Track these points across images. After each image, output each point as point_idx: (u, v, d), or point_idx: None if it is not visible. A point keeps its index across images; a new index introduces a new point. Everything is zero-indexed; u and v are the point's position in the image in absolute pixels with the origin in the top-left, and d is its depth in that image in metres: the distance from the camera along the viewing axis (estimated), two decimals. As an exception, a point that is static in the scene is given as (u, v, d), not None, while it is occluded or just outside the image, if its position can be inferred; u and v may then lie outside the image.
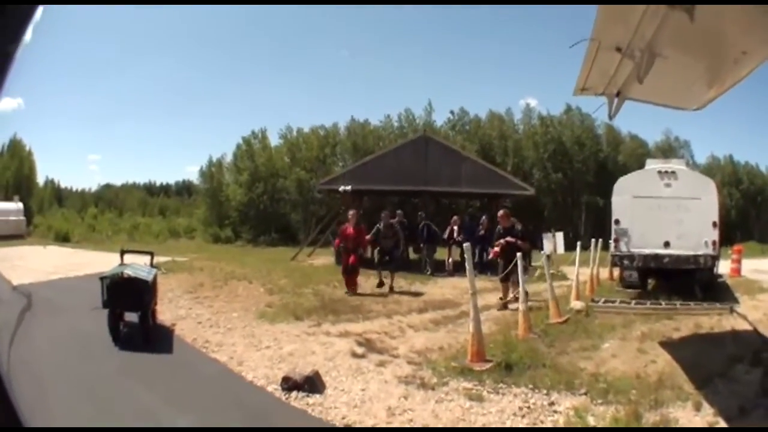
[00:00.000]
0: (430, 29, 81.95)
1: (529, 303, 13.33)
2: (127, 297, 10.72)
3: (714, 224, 16.95)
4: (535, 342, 11.39)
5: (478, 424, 7.31)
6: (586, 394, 8.39)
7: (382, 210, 24.34)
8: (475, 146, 56.26)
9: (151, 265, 13.08)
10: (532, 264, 16.94)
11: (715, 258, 17.18)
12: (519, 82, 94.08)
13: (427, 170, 27.78)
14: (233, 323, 12.97)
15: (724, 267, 21.70)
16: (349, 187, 28.17)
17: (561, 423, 7.38)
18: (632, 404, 7.82)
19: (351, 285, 18.48)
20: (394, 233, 20.05)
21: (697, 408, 7.69)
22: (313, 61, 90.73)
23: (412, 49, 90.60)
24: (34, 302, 13.25)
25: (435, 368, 9.63)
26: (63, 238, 38.69)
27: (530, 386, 8.68)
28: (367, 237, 19.41)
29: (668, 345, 11.21)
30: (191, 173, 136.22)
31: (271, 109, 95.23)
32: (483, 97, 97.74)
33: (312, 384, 8.48)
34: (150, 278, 11.47)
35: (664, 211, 17.07)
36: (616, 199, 18.10)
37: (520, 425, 7.30)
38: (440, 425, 7.26)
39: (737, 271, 23.81)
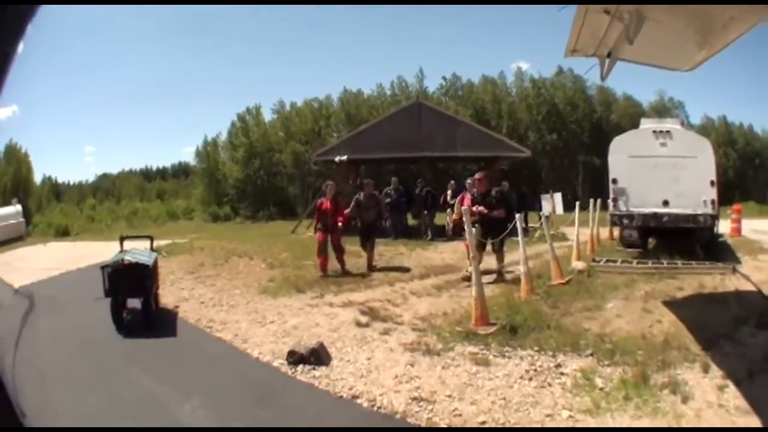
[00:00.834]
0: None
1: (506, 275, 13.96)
2: (128, 283, 10.63)
3: (712, 183, 16.90)
4: (539, 303, 11.40)
5: (485, 389, 7.25)
6: (592, 355, 8.39)
7: (365, 178, 24.09)
8: (469, 111, 56.81)
9: (151, 249, 13.05)
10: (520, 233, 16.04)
11: (714, 217, 17.18)
12: (510, 45, 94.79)
13: (422, 136, 27.99)
14: (236, 300, 12.94)
15: (724, 227, 21.71)
16: (345, 157, 28.23)
17: (569, 385, 7.35)
18: (639, 365, 7.81)
19: (324, 266, 16.09)
20: (376, 203, 17.95)
21: (705, 370, 7.66)
22: (303, 33, 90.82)
23: (402, 16, 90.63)
24: (36, 302, 13.21)
25: (440, 334, 9.64)
26: (63, 233, 38.68)
27: (536, 348, 8.69)
28: (347, 211, 16.81)
29: (672, 305, 11.20)
30: (188, 155, 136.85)
31: (264, 86, 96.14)
32: (475, 61, 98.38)
33: (317, 356, 8.48)
34: (150, 262, 11.35)
35: (661, 170, 17.02)
36: (612, 159, 18.07)
37: (528, 388, 7.26)
38: (447, 391, 7.22)
39: (737, 231, 23.90)
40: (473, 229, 12.84)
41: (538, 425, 6.41)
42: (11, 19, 2.68)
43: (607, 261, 16.04)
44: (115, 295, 10.63)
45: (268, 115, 63.25)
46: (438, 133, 28.15)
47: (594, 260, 16.11)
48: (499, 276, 14.40)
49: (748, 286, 12.98)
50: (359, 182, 28.97)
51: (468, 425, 6.51)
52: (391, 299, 12.54)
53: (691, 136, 19.40)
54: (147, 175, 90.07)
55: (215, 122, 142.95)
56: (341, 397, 7.46)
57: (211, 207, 56.94)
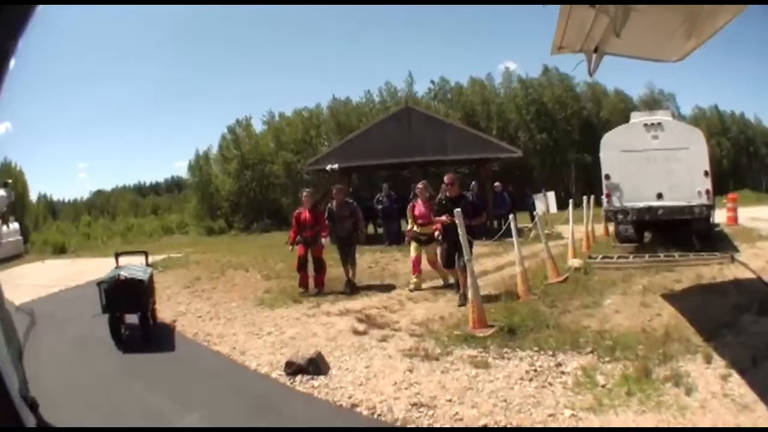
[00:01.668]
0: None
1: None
2: (125, 299, 10.59)
3: (705, 173, 16.85)
4: (536, 303, 11.37)
5: (486, 392, 7.20)
6: (592, 352, 8.35)
7: (336, 184, 22.57)
8: (458, 114, 57.13)
9: (146, 264, 13.04)
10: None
11: (710, 207, 17.10)
12: (497, 46, 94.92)
13: (412, 141, 27.87)
14: (233, 313, 12.88)
15: (720, 216, 21.71)
16: (336, 166, 28.17)
17: (570, 383, 7.29)
18: (641, 360, 7.77)
19: (304, 281, 14.94)
20: (351, 213, 15.46)
21: (708, 360, 7.63)
22: (290, 43, 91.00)
23: (389, 22, 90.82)
24: (37, 319, 13.20)
25: (438, 338, 9.59)
26: (60, 250, 38.74)
27: (535, 348, 8.65)
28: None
29: (671, 297, 11.18)
30: (180, 169, 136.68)
31: (253, 97, 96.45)
32: (463, 64, 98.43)
33: (316, 366, 8.40)
34: (146, 278, 11.32)
35: (654, 163, 17.01)
36: (604, 154, 18.03)
37: (529, 389, 7.20)
38: (447, 396, 7.17)
39: (734, 220, 23.93)
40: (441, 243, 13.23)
41: (541, 425, 6.37)
42: (11, 18, 2.66)
43: (604, 257, 15.98)
44: (113, 311, 10.58)
45: (258, 127, 63.48)
46: (428, 138, 28.08)
47: (590, 257, 16.07)
48: (463, 299, 11.79)
49: (748, 274, 13.00)
50: (350, 189, 28.96)
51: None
52: (388, 306, 12.52)
53: (683, 127, 19.41)
54: (140, 190, 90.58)
55: (207, 135, 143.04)
56: (341, 406, 7.38)
57: (205, 220, 57.01)
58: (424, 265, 14.66)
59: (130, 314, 11.14)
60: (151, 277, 11.94)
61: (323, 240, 15.16)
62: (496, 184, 27.63)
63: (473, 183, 27.61)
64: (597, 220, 20.92)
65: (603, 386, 7.10)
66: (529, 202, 27.27)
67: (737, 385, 6.80)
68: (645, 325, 9.48)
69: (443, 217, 12.58)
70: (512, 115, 60.87)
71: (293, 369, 8.44)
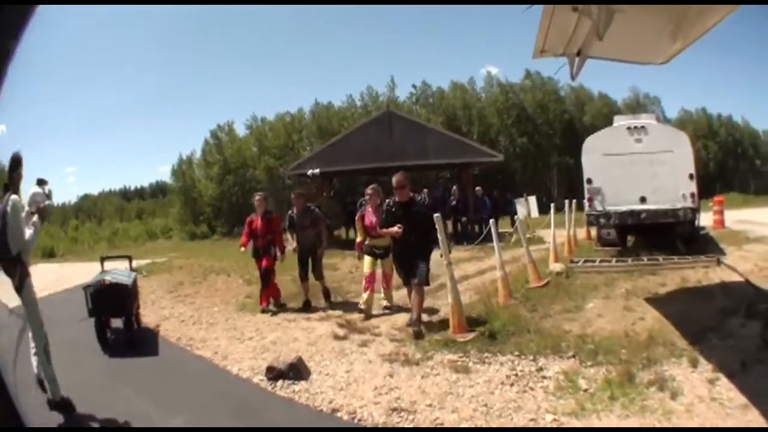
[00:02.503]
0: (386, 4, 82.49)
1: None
2: (110, 303, 10.56)
3: (690, 176, 16.77)
4: (517, 308, 11.25)
5: (466, 397, 7.13)
6: (574, 356, 8.27)
7: (296, 188, 22.02)
8: (440, 118, 57.55)
9: (130, 268, 13.02)
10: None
11: (694, 210, 17.05)
12: (479, 50, 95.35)
13: (393, 146, 27.99)
14: (215, 318, 12.83)
15: (706, 220, 21.75)
16: (317, 171, 28.24)
17: (551, 388, 7.20)
18: (624, 364, 7.68)
19: (273, 295, 13.64)
20: (313, 221, 13.65)
21: (694, 364, 7.54)
22: (272, 48, 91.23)
23: (371, 26, 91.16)
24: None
25: (418, 344, 9.52)
26: (49, 254, 38.88)
27: (516, 353, 8.57)
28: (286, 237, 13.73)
29: (655, 301, 11.07)
30: (164, 173, 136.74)
31: (237, 102, 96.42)
32: (445, 68, 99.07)
33: (296, 371, 8.37)
34: (130, 282, 11.32)
35: (637, 167, 16.90)
36: (586, 159, 17.95)
37: (509, 394, 7.12)
38: (427, 401, 7.10)
39: (720, 223, 23.87)
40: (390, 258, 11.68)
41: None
42: (11, 19, 2.65)
43: (586, 261, 15.86)
44: (98, 315, 10.60)
45: (242, 131, 63.63)
46: (409, 142, 28.24)
47: (572, 261, 15.93)
48: (416, 323, 10.25)
49: (735, 277, 12.86)
50: (332, 193, 28.93)
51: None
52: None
53: (667, 130, 19.34)
54: (126, 195, 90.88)
55: (190, 139, 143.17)
56: (321, 411, 7.34)
57: (188, 225, 57.32)
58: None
59: (115, 318, 11.13)
60: (135, 281, 11.96)
61: (280, 253, 13.44)
62: (477, 188, 27.66)
63: (455, 187, 27.74)
64: (579, 225, 20.98)
65: (585, 390, 7.01)
66: (511, 207, 27.35)
67: (726, 389, 6.72)
68: (628, 329, 9.37)
69: (393, 228, 10.78)
70: (493, 119, 61.19)
71: (274, 374, 8.42)
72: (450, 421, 6.61)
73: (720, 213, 24.26)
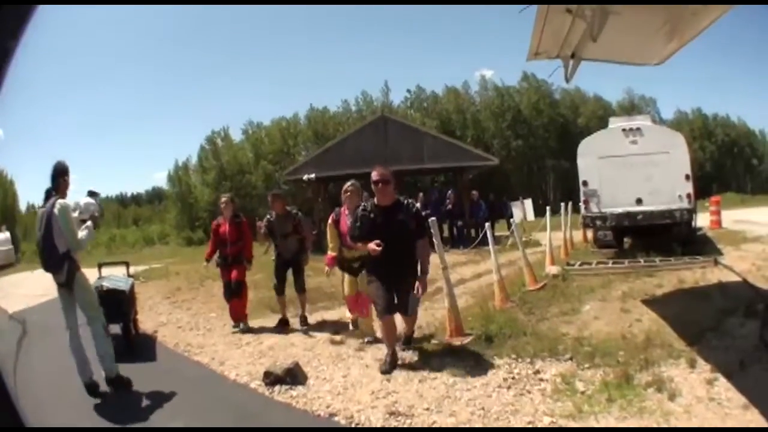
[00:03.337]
0: (380, 7, 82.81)
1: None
2: (107, 309, 10.54)
3: (687, 177, 16.82)
4: (514, 311, 11.20)
5: (463, 400, 7.11)
6: (571, 359, 8.23)
7: (271, 190, 20.71)
8: (434, 122, 57.64)
9: (128, 274, 13.04)
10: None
11: (691, 211, 17.08)
12: (474, 54, 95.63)
13: (388, 150, 27.88)
14: (212, 324, 12.83)
15: (703, 220, 21.79)
16: (312, 175, 28.22)
17: (549, 390, 7.18)
18: (621, 366, 7.64)
19: (237, 313, 12.22)
20: (295, 227, 12.09)
21: (692, 365, 7.50)
22: (268, 54, 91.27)
23: (366, 30, 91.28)
24: (28, 328, 13.29)
25: (415, 347, 9.49)
26: (48, 261, 39.09)
27: (513, 356, 8.53)
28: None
29: (652, 303, 11.05)
30: (160, 180, 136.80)
31: (233, 107, 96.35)
32: (440, 72, 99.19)
33: (293, 376, 8.35)
34: (127, 288, 11.41)
35: (633, 168, 16.95)
36: (581, 161, 18.00)
37: (507, 397, 7.09)
38: (425, 405, 7.07)
39: (717, 223, 23.91)
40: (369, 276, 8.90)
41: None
42: (11, 18, 2.66)
43: (582, 263, 15.82)
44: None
45: (238, 136, 63.81)
46: (404, 146, 28.27)
47: (568, 264, 15.92)
48: (388, 365, 8.56)
49: (732, 277, 12.84)
50: (325, 197, 28.94)
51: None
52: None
53: (663, 131, 19.41)
54: (122, 201, 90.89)
55: (186, 145, 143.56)
56: (319, 415, 7.32)
57: (184, 231, 57.43)
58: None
59: (112, 324, 11.11)
60: (132, 287, 11.97)
61: (248, 263, 12.24)
62: (473, 192, 27.77)
63: (450, 191, 27.79)
64: (576, 227, 20.95)
65: (582, 393, 6.97)
66: (507, 210, 27.40)
67: (724, 389, 6.68)
68: (625, 331, 9.36)
69: (371, 244, 8.30)
70: (488, 123, 61.42)
71: (271, 379, 8.39)
72: (447, 425, 6.60)
73: (717, 213, 24.30)
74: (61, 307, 8.75)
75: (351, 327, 11.04)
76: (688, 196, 16.76)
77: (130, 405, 8.18)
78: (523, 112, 62.02)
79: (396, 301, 8.69)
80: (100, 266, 12.86)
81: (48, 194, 8.34)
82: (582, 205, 17.76)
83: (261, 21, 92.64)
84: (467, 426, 6.53)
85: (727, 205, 27.99)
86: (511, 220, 19.92)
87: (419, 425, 6.67)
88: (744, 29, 49.19)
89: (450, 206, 26.31)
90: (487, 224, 13.70)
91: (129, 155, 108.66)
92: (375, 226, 8.50)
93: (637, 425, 6.09)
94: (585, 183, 17.56)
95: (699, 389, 6.80)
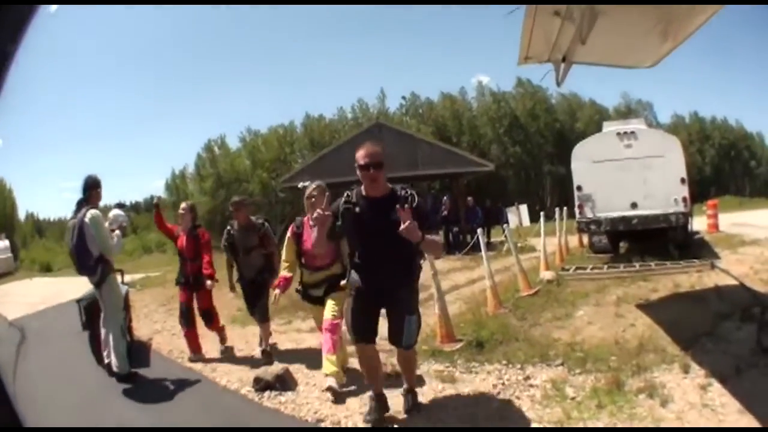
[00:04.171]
0: (376, 14, 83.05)
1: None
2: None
3: (682, 180, 16.77)
4: (506, 317, 11.14)
5: (451, 407, 7.09)
6: (562, 364, 8.15)
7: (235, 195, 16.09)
8: (430, 129, 57.76)
9: (122, 282, 13.05)
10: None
11: (687, 215, 17.02)
12: (470, 59, 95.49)
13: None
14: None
15: (700, 224, 21.83)
16: (307, 183, 28.13)
17: (538, 396, 7.10)
18: (613, 371, 7.55)
19: (194, 343, 10.86)
20: (262, 240, 10.29)
21: (686, 370, 7.41)
22: (264, 61, 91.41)
23: (362, 37, 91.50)
24: (27, 335, 13.41)
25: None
26: (46, 269, 39.60)
27: (504, 362, 8.46)
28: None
29: (647, 307, 10.99)
30: (158, 188, 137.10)
31: (230, 116, 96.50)
32: (435, 78, 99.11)
33: (283, 382, 8.37)
34: (122, 296, 11.37)
35: (628, 172, 16.87)
36: (575, 165, 17.94)
37: (495, 403, 7.05)
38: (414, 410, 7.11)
39: (715, 227, 23.79)
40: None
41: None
42: (11, 18, 2.64)
43: (577, 268, 15.80)
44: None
45: (235, 144, 63.98)
46: (399, 153, 28.05)
47: (563, 269, 15.89)
48: (374, 414, 6.81)
49: (729, 281, 12.77)
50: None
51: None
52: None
53: (658, 135, 19.31)
54: (120, 209, 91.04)
55: (184, 153, 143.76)
56: (307, 421, 7.29)
57: (182, 239, 57.35)
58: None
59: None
60: (127, 294, 11.91)
61: (209, 281, 10.42)
62: (469, 198, 27.86)
63: (446, 197, 27.84)
64: (571, 232, 20.97)
65: (572, 399, 6.87)
66: (503, 216, 27.45)
67: (718, 395, 6.59)
68: (618, 336, 9.27)
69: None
70: (485, 129, 61.69)
71: (261, 385, 8.43)
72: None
73: (714, 217, 24.19)
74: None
75: (329, 382, 7.81)
76: (684, 199, 16.69)
77: (126, 407, 8.35)
78: (519, 118, 62.22)
79: (389, 327, 6.46)
80: None
81: (79, 205, 9.00)
82: (577, 210, 17.71)
83: (256, 30, 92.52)
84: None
85: (725, 208, 28.02)
86: (505, 225, 19.80)
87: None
88: (741, 32, 49.30)
89: (445, 212, 26.25)
90: (479, 230, 13.67)
91: (127, 164, 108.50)
92: (359, 223, 6.25)
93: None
94: (579, 188, 17.50)
95: (692, 395, 6.70)
